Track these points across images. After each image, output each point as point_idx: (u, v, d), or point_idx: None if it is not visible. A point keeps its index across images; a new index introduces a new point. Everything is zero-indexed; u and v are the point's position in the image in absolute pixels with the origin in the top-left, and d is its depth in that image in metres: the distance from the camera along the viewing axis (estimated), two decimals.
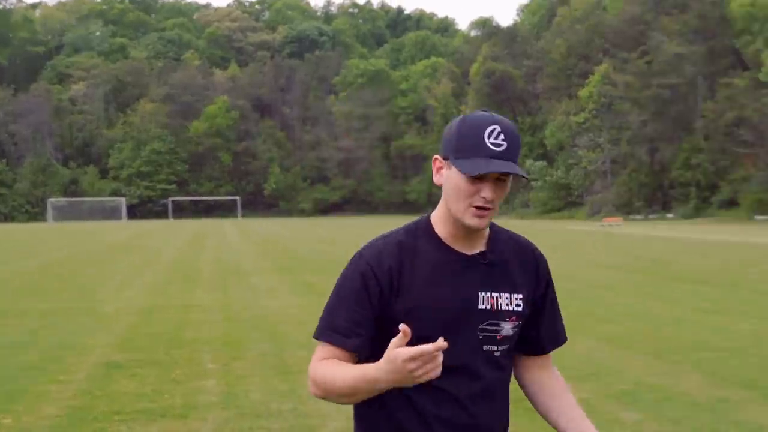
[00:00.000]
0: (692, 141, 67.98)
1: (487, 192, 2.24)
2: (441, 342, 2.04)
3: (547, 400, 2.51)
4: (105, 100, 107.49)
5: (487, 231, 2.40)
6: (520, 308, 2.37)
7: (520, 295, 2.38)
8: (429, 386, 2.20)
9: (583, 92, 75.75)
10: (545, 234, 44.95)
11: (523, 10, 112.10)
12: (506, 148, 2.23)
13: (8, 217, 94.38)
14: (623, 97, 71.27)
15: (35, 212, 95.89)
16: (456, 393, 2.30)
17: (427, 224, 2.39)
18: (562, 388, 2.53)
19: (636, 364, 9.13)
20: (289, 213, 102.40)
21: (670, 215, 67.50)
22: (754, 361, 9.19)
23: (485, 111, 2.33)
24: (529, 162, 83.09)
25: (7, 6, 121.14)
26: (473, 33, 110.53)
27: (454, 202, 2.28)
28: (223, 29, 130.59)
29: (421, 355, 2.02)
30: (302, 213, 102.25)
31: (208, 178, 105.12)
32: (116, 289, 17.29)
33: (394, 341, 2.06)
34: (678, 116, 69.57)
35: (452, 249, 2.34)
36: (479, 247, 2.36)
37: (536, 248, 2.54)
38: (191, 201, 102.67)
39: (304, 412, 6.95)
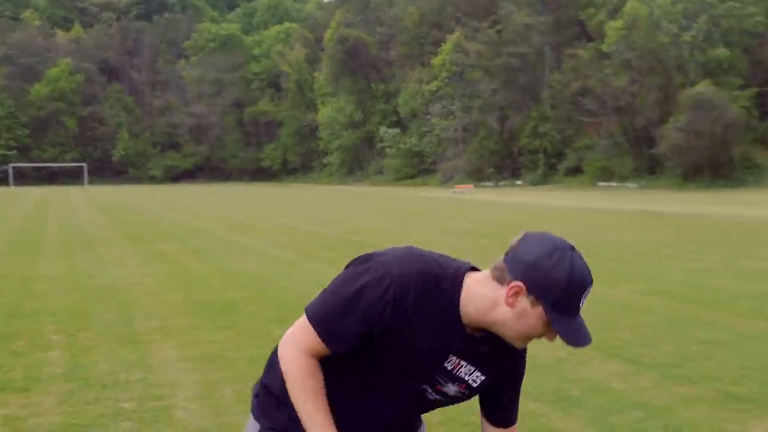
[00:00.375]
0: (540, 110, 70.01)
1: (549, 337, 2.23)
2: None
3: None
4: None
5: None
6: (475, 385, 2.36)
7: (483, 377, 2.36)
8: (353, 395, 2.35)
9: (436, 60, 76.67)
10: (398, 201, 45.48)
11: None
12: (582, 306, 2.25)
13: None
14: (475, 65, 72.58)
15: None
16: (372, 407, 2.37)
17: (458, 289, 2.26)
18: None
19: None
20: (139, 180, 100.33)
21: (519, 182, 69.33)
22: (592, 323, 9.47)
23: (583, 261, 2.30)
24: (383, 129, 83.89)
25: None
26: None
27: (514, 329, 2.21)
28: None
29: None
30: (153, 180, 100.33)
31: (51, 144, 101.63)
32: None
33: None
34: (527, 85, 71.47)
35: (459, 321, 2.26)
36: (478, 333, 2.31)
37: (524, 351, 2.48)
38: (34, 167, 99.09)
39: (154, 382, 6.78)
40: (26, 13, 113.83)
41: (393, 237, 21.44)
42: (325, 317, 2.26)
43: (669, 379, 6.88)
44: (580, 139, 66.85)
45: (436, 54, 77.25)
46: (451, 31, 76.77)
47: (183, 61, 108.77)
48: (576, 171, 66.14)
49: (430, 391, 2.36)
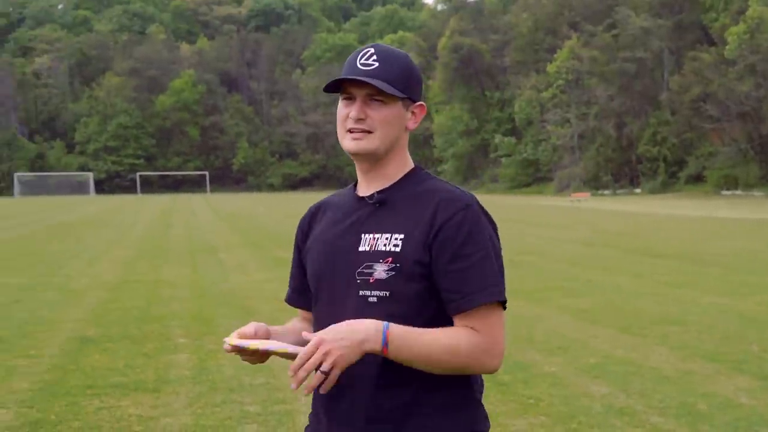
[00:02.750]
0: (659, 116, 68.20)
1: (353, 111, 2.17)
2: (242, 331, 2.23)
3: None
4: (69, 74, 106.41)
5: (397, 174, 2.26)
6: (398, 249, 2.13)
7: (401, 236, 2.14)
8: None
9: (550, 67, 75.58)
10: (513, 209, 45.12)
11: None
12: (376, 68, 2.16)
13: None
14: (590, 71, 71.34)
15: (1, 187, 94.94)
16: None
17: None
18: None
19: (603, 338, 9.21)
20: (257, 188, 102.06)
21: (637, 190, 67.82)
22: (718, 335, 9.34)
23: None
24: (498, 137, 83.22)
25: None
26: (440, 7, 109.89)
27: (338, 131, 2.25)
28: (189, 2, 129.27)
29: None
30: (271, 188, 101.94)
31: (176, 153, 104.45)
32: (85, 265, 17.24)
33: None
34: (644, 90, 69.82)
35: (355, 193, 2.31)
36: (372, 190, 2.26)
37: (449, 198, 2.19)
38: (159, 176, 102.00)
39: (277, 386, 7.02)
40: (152, 28, 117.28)
41: (507, 245, 21.33)
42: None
43: None
44: (702, 146, 64.81)
45: (551, 60, 76.18)
46: (567, 38, 75.64)
47: (299, 71, 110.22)
48: (698, 179, 64.10)
49: (368, 294, 2.14)
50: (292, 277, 2.48)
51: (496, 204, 53.42)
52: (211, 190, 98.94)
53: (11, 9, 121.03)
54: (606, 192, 69.06)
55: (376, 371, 2.13)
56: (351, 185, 2.38)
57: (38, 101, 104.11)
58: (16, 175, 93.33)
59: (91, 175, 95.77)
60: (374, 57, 2.16)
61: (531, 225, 30.24)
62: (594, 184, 71.20)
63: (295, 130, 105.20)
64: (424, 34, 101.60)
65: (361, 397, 2.16)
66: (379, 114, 2.16)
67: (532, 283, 13.92)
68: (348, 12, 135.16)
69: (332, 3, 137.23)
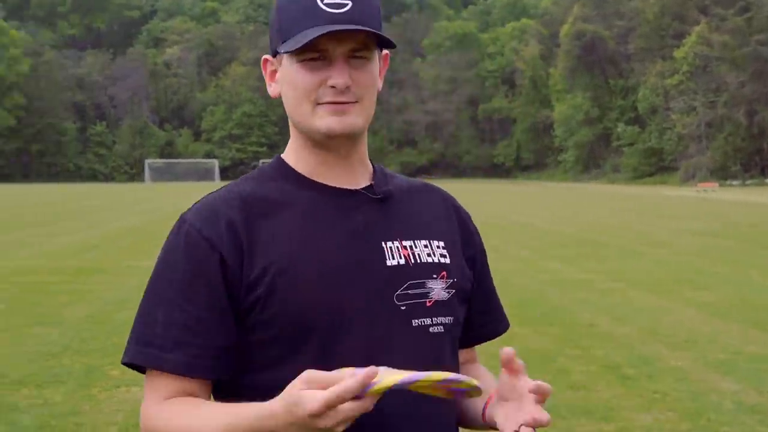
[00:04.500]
0: None
1: (336, 76, 1.52)
2: (370, 370, 1.28)
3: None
4: (198, 64, 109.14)
5: (370, 166, 1.72)
6: (447, 260, 1.62)
7: (442, 243, 1.65)
8: None
9: (678, 53, 73.66)
10: (636, 199, 44.40)
11: None
12: (351, 8, 1.52)
13: (108, 177, 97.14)
14: (720, 57, 69.29)
15: (133, 173, 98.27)
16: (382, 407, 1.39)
17: (279, 164, 1.66)
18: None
19: (733, 333, 9.02)
20: None
21: None
22: None
23: None
24: (621, 126, 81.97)
25: None
26: None
27: (297, 109, 1.56)
28: None
29: (342, 396, 1.28)
30: None
31: None
32: None
33: (307, 372, 1.33)
34: None
35: (323, 184, 1.60)
36: (363, 181, 1.65)
37: (449, 195, 1.84)
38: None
39: None
40: None
41: (629, 236, 21.03)
42: (135, 336, 1.55)
43: None
44: None
45: (677, 47, 74.36)
46: (695, 23, 73.74)
47: (419, 59, 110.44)
48: None
49: (428, 322, 1.56)
50: (196, 331, 1.48)
51: (619, 194, 52.56)
52: None
53: (144, 2, 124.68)
54: (735, 182, 67.10)
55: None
56: (270, 171, 1.66)
57: (168, 91, 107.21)
58: (147, 161, 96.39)
59: (216, 162, 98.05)
60: None
61: (656, 216, 29.69)
62: (722, 174, 69.27)
63: (414, 118, 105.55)
64: (545, 22, 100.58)
65: None
66: (365, 75, 1.55)
67: (658, 275, 13.72)
68: (468, 0, 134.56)
69: None
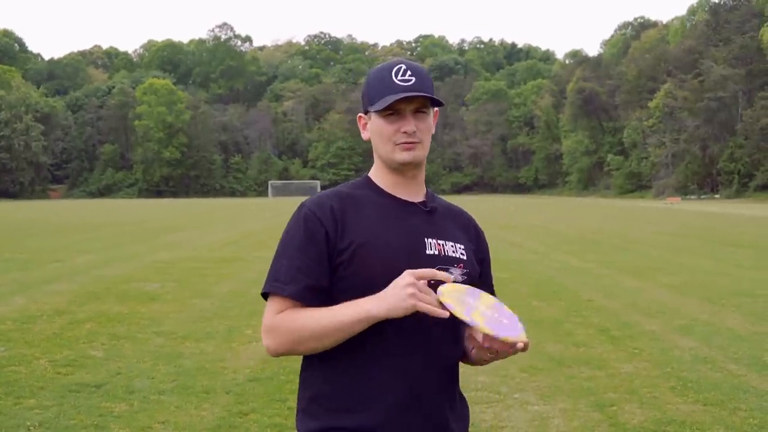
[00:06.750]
0: (735, 141, 64.61)
1: (407, 125, 1.67)
2: (448, 275, 1.56)
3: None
4: (305, 113, 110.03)
5: (425, 187, 1.82)
6: (465, 257, 1.73)
7: (462, 246, 1.75)
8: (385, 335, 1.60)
9: (651, 104, 72.59)
10: (621, 210, 43.71)
11: (606, 43, 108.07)
12: (415, 82, 1.67)
13: (243, 194, 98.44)
14: (682, 107, 68.00)
15: (261, 190, 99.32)
16: (405, 335, 1.61)
17: (367, 179, 1.79)
18: None
19: (691, 306, 8.96)
20: (434, 193, 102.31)
21: (717, 196, 64.12)
22: None
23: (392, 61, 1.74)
24: (610, 156, 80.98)
25: (243, 49, 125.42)
26: (568, 61, 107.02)
27: (382, 148, 1.71)
28: (387, 61, 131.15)
29: (423, 275, 1.52)
30: (443, 192, 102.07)
31: None
32: None
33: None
34: (723, 122, 66.17)
35: (394, 196, 1.74)
36: (419, 197, 1.77)
37: (473, 218, 1.92)
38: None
39: None
40: (362, 79, 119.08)
41: (618, 236, 20.80)
42: (269, 275, 1.68)
43: None
44: None
45: (651, 99, 73.09)
46: (663, 82, 72.37)
47: (464, 108, 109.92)
48: (764, 188, 59.99)
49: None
50: (306, 273, 1.62)
51: (608, 206, 51.74)
52: None
53: (269, 69, 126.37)
54: (693, 197, 65.53)
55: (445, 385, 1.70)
56: (360, 182, 1.79)
57: (285, 132, 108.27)
58: (270, 182, 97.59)
59: (318, 183, 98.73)
60: (409, 72, 1.68)
61: (636, 221, 29.23)
62: (683, 191, 67.83)
63: (460, 150, 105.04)
64: (555, 81, 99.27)
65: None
66: (425, 124, 1.70)
67: (637, 263, 13.59)
68: (500, 65, 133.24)
69: (489, 59, 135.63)
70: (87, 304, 9.07)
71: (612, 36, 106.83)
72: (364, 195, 1.73)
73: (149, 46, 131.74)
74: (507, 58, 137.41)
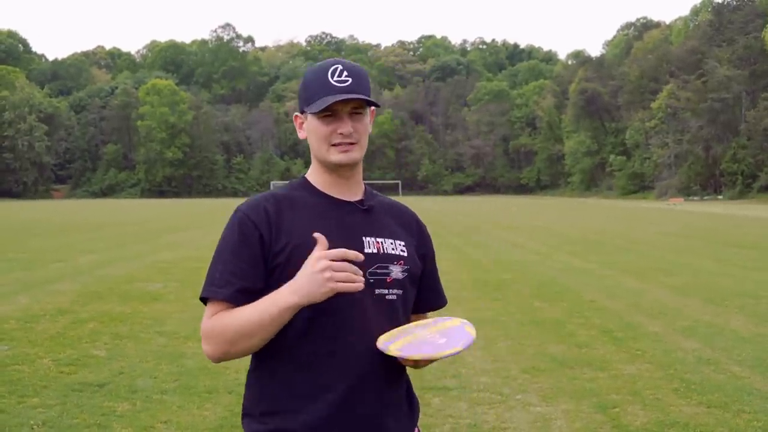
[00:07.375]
0: (738, 141, 64.40)
1: (343, 127, 1.66)
2: (357, 253, 1.54)
3: None
4: None
5: (363, 186, 1.80)
6: (406, 254, 1.74)
7: (403, 243, 1.75)
8: (322, 326, 1.62)
9: (654, 104, 72.48)
10: (624, 211, 43.64)
11: (608, 43, 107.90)
12: (352, 83, 1.66)
13: (245, 194, 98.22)
14: (685, 108, 67.90)
15: (262, 190, 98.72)
16: (343, 334, 1.63)
17: (303, 180, 1.78)
18: None
19: (694, 307, 8.92)
20: (435, 193, 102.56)
21: (720, 197, 63.99)
22: None
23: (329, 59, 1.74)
24: (612, 157, 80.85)
25: (245, 50, 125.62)
26: (570, 62, 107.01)
27: (318, 148, 1.70)
28: (389, 62, 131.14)
29: (334, 256, 1.51)
30: (445, 193, 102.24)
31: (378, 168, 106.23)
32: None
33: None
34: (726, 123, 66.02)
35: (330, 195, 1.73)
36: (357, 196, 1.76)
37: (415, 213, 1.90)
38: (368, 183, 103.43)
39: None
40: None
41: (620, 237, 20.76)
42: (205, 281, 1.69)
43: None
44: None
45: (654, 100, 72.99)
46: (666, 83, 72.28)
47: (466, 108, 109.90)
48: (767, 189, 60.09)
49: (385, 292, 1.69)
50: (240, 276, 1.62)
51: (611, 206, 51.67)
52: (402, 194, 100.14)
53: (270, 70, 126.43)
54: (695, 198, 65.42)
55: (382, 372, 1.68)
56: (297, 183, 1.78)
57: (287, 132, 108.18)
58: (272, 182, 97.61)
59: None
60: (346, 73, 1.67)
61: (638, 222, 29.18)
62: (686, 191, 67.69)
63: (463, 151, 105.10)
64: (558, 81, 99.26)
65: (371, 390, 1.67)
66: (361, 125, 1.69)
67: (640, 264, 13.54)
68: (502, 65, 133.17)
69: (491, 60, 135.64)
70: (90, 303, 9.08)
71: (614, 36, 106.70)
72: (300, 196, 1.73)
73: (152, 46, 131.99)
74: (509, 59, 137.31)
